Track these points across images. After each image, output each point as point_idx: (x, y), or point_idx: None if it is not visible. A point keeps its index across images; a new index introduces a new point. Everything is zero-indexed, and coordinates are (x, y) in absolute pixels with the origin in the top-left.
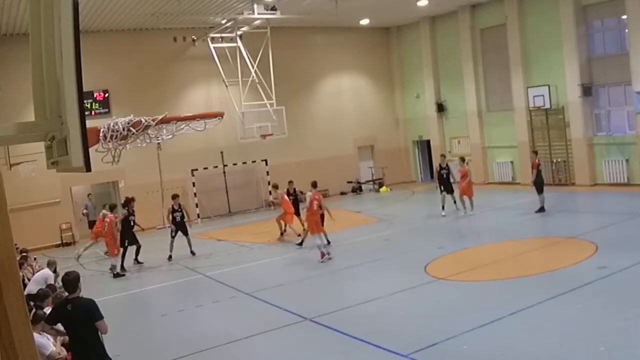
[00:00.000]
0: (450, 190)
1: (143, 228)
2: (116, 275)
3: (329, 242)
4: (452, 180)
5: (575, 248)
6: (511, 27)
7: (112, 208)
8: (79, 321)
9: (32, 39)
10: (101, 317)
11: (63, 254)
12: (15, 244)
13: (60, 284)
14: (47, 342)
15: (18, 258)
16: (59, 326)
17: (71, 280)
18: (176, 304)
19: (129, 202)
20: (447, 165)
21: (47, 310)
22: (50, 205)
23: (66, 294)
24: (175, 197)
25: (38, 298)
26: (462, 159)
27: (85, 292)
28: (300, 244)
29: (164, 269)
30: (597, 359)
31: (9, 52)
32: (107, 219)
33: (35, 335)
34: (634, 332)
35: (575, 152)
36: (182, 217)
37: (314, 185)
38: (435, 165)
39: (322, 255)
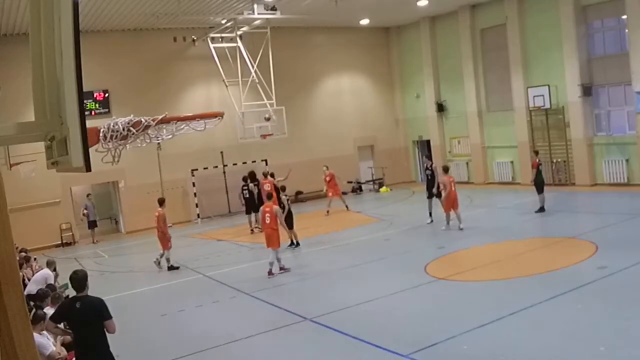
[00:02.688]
0: (436, 194)
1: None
2: (170, 268)
3: (298, 244)
4: (437, 183)
5: (575, 248)
6: (511, 27)
7: (161, 202)
8: (87, 320)
9: (32, 39)
10: (110, 317)
11: (63, 254)
12: (15, 245)
13: (60, 283)
14: (47, 342)
15: (17, 258)
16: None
17: (79, 279)
18: (176, 304)
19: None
20: (431, 166)
21: (47, 310)
22: (50, 205)
23: (65, 293)
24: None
25: (38, 298)
26: (445, 169)
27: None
28: (297, 245)
29: (164, 269)
30: (597, 359)
31: (9, 52)
32: (156, 213)
33: (35, 335)
34: (634, 332)
35: (575, 152)
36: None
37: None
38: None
39: (271, 272)
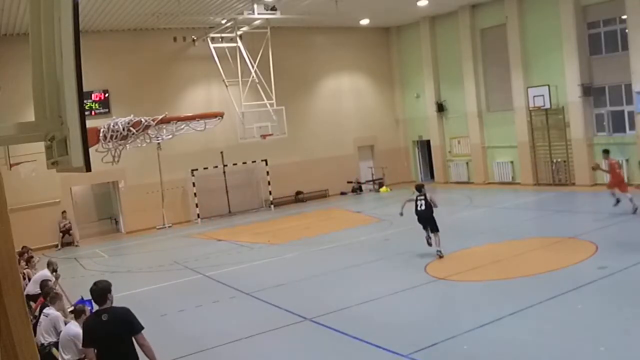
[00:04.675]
0: (433, 229)
1: None
2: None
3: None
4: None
5: (575, 248)
6: (511, 27)
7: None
8: (116, 334)
9: (32, 39)
10: (142, 327)
11: (63, 254)
12: (24, 246)
13: (60, 285)
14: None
15: (24, 257)
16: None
17: (100, 290)
18: (176, 304)
19: None
20: (425, 196)
21: (48, 310)
22: (50, 205)
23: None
24: None
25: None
26: (605, 151)
27: (85, 292)
28: None
29: (164, 269)
30: (597, 359)
31: (9, 52)
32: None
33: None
34: (634, 332)
35: (575, 152)
36: None
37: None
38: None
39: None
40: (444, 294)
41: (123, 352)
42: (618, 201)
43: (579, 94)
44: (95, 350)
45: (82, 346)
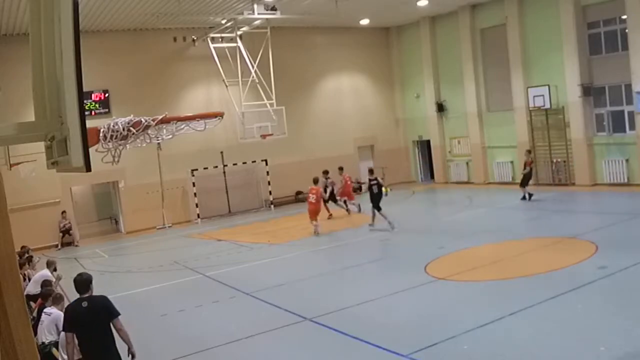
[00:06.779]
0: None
1: None
2: None
3: None
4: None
5: (575, 248)
6: (511, 27)
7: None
8: (96, 319)
9: (32, 39)
10: (119, 313)
11: (63, 254)
12: (24, 246)
13: (61, 286)
14: None
15: (24, 257)
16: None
17: (83, 280)
18: (176, 304)
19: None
20: (376, 179)
21: (50, 309)
22: (50, 205)
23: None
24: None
25: (43, 296)
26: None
27: None
28: None
29: (164, 269)
30: (597, 359)
31: (9, 52)
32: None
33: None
34: (634, 332)
35: (575, 152)
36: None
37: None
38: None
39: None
40: (444, 294)
41: (101, 336)
42: (348, 209)
43: (579, 94)
44: (75, 336)
45: (63, 330)
